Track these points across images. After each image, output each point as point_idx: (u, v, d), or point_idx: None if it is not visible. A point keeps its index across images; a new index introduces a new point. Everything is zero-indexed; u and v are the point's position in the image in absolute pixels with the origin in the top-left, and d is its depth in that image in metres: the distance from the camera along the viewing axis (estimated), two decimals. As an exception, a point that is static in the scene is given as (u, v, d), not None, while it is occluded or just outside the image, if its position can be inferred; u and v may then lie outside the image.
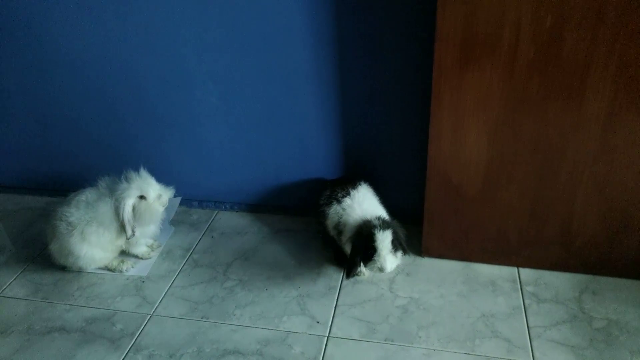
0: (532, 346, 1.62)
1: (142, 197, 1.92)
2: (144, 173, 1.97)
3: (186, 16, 1.92)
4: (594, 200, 1.72)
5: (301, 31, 1.87)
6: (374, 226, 1.70)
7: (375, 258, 1.69)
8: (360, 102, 1.98)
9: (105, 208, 1.92)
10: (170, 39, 1.98)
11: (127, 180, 1.93)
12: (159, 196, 1.97)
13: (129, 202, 1.90)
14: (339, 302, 1.84)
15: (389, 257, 1.69)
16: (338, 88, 1.96)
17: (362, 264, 1.75)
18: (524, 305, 1.77)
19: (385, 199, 1.97)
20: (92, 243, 1.93)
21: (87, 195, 1.96)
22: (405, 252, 1.78)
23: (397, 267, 1.90)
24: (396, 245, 1.71)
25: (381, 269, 1.69)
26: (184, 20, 1.93)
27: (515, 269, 1.93)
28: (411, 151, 2.03)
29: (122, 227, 1.92)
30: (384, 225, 1.71)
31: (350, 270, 1.77)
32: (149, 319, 1.82)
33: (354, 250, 1.75)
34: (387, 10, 1.77)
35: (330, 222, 1.92)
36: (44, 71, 2.18)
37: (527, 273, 1.90)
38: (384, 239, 1.68)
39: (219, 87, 2.06)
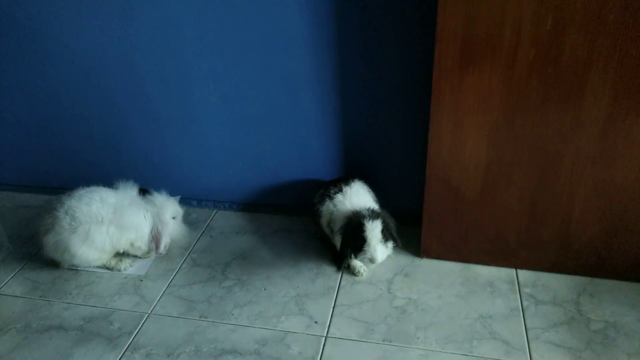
0: (530, 348, 1.62)
1: (174, 218, 2.09)
2: (165, 194, 2.10)
3: (187, 16, 1.92)
4: (593, 203, 1.72)
5: (301, 32, 1.87)
6: (363, 216, 1.71)
7: (365, 248, 1.70)
8: (359, 103, 1.98)
9: (135, 216, 1.96)
10: (170, 37, 1.98)
11: (162, 199, 2.06)
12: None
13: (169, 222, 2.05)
14: (337, 303, 1.84)
15: (379, 247, 1.70)
16: (337, 88, 1.96)
17: (352, 255, 1.75)
18: (522, 306, 1.77)
19: (384, 200, 1.98)
20: (94, 243, 1.91)
21: (102, 194, 1.95)
22: (396, 242, 1.77)
23: (397, 267, 1.91)
24: (386, 235, 1.71)
25: (372, 260, 1.70)
26: (185, 20, 1.93)
27: (514, 270, 1.93)
28: (410, 152, 2.03)
29: (154, 241, 2.01)
30: (373, 215, 1.71)
31: (340, 263, 1.76)
32: (146, 318, 1.82)
33: (343, 242, 1.75)
34: (387, 11, 1.77)
35: (324, 220, 1.92)
36: (43, 69, 2.18)
37: (525, 275, 1.91)
38: (373, 229, 1.68)
39: (219, 86, 2.05)
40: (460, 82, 1.60)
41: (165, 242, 2.02)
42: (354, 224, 1.71)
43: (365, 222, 1.69)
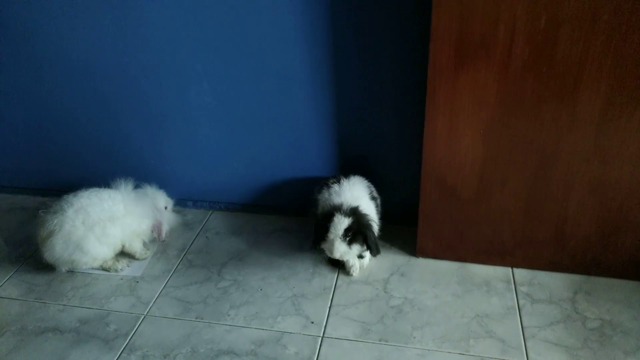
0: (526, 346, 1.63)
1: (165, 208, 2.16)
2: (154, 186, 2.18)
3: (182, 16, 1.92)
4: (588, 201, 1.72)
5: (296, 30, 1.86)
6: (338, 209, 1.76)
7: (325, 238, 1.76)
8: (355, 102, 1.98)
9: (143, 206, 2.03)
10: (165, 38, 1.98)
11: (153, 190, 2.14)
12: None
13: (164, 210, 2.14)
14: (333, 303, 1.84)
15: (337, 243, 1.74)
16: (333, 88, 1.96)
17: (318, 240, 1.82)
18: (518, 305, 1.78)
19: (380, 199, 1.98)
20: (108, 238, 1.94)
21: (107, 192, 2.00)
22: (371, 251, 1.80)
23: (393, 267, 1.91)
24: (356, 237, 1.75)
25: (329, 252, 1.77)
26: (180, 20, 1.92)
27: (510, 269, 1.93)
28: (406, 151, 2.03)
29: (155, 231, 2.07)
30: (348, 212, 1.75)
31: (314, 243, 1.84)
32: (142, 319, 1.81)
33: (316, 226, 1.82)
34: (382, 10, 1.77)
35: (320, 209, 1.93)
36: (37, 71, 2.17)
37: (521, 273, 1.91)
38: (338, 224, 1.73)
39: (214, 86, 2.05)
40: (455, 81, 1.60)
41: (165, 229, 2.09)
42: (327, 213, 1.77)
43: (335, 214, 1.74)
